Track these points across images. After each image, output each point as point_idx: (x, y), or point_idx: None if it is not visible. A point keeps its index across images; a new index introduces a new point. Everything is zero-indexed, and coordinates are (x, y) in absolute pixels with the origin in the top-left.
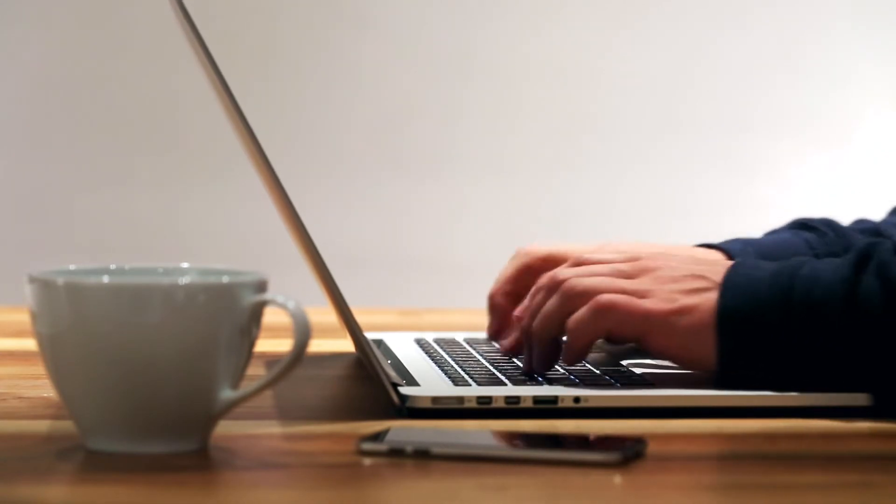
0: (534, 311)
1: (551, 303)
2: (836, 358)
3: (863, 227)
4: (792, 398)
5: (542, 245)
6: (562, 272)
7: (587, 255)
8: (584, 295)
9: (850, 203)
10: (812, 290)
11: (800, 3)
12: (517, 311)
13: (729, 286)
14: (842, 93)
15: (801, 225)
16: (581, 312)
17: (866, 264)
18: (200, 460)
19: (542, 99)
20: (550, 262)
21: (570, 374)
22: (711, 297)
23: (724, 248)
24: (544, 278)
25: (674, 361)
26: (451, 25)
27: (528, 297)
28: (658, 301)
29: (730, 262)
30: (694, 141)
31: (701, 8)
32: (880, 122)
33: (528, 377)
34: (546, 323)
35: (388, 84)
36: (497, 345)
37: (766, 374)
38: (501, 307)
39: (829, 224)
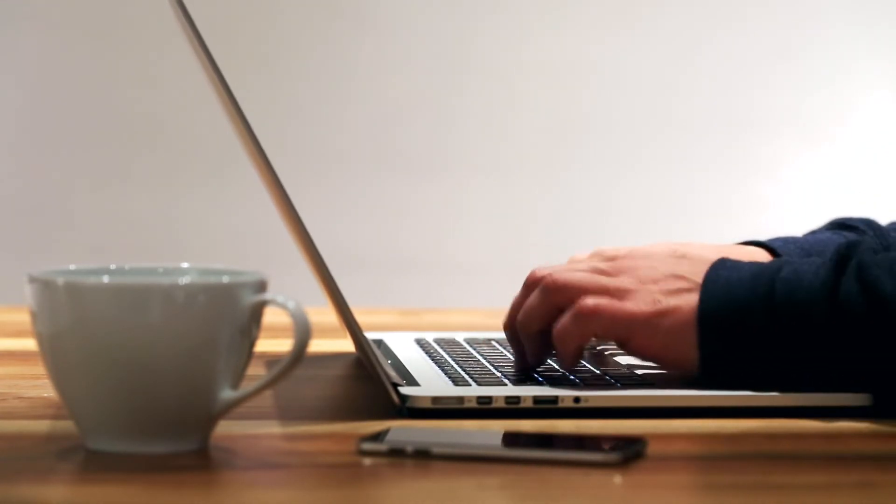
0: (514, 307)
1: (533, 297)
2: (819, 361)
3: None
4: (792, 398)
5: (549, 269)
6: (541, 269)
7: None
8: (565, 288)
9: (848, 202)
10: (793, 293)
11: (796, 2)
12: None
13: (708, 287)
14: (839, 92)
15: (841, 224)
16: (565, 319)
17: (846, 266)
18: (200, 460)
19: (541, 99)
20: None
21: (570, 373)
22: (692, 299)
23: (768, 245)
24: (527, 278)
25: (656, 363)
26: (450, 26)
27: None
28: (640, 302)
29: (709, 261)
30: (691, 140)
31: (697, 8)
32: (877, 121)
33: (524, 375)
34: (529, 317)
35: (388, 84)
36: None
37: (747, 376)
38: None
39: (869, 223)
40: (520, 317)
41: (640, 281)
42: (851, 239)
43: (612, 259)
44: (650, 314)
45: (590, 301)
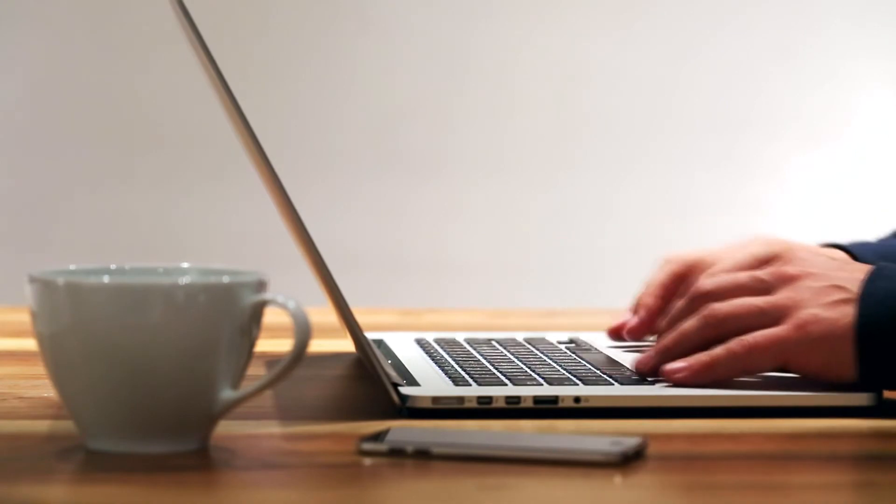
0: (672, 320)
1: (691, 325)
2: None
3: None
4: (792, 398)
5: (690, 252)
6: (704, 285)
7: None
8: (724, 322)
9: (847, 202)
10: None
11: (796, 2)
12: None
13: (866, 300)
14: (839, 92)
15: None
16: (719, 355)
17: None
18: (200, 460)
19: (540, 99)
20: (699, 267)
21: (570, 373)
22: (850, 312)
23: (851, 251)
24: (689, 289)
25: (817, 379)
26: (450, 26)
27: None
28: (795, 323)
29: (866, 270)
30: (690, 140)
31: (697, 8)
32: (877, 121)
33: (640, 378)
34: (683, 343)
35: (388, 84)
36: (610, 338)
37: None
38: (650, 307)
39: None
40: (673, 339)
41: (799, 294)
42: None
43: (771, 260)
44: (804, 334)
45: (747, 339)
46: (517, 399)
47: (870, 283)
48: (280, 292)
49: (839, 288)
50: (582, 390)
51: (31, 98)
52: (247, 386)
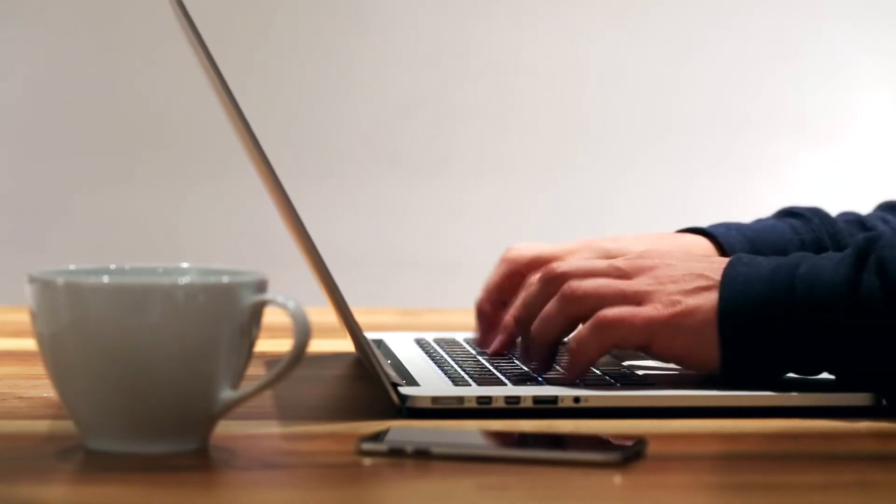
0: (528, 304)
1: (551, 306)
2: (840, 358)
3: (846, 218)
4: (792, 398)
5: (527, 248)
6: (560, 265)
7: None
8: (585, 299)
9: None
10: (813, 290)
11: (796, 2)
12: (507, 317)
13: (728, 285)
14: (839, 92)
15: (788, 213)
16: (584, 332)
17: (865, 261)
18: (200, 460)
19: (539, 99)
20: (536, 266)
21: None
22: (712, 297)
23: (710, 232)
24: (543, 273)
25: (678, 364)
26: (449, 26)
27: (522, 289)
28: (659, 306)
29: (726, 259)
30: (690, 140)
31: (697, 8)
32: (876, 120)
33: (528, 377)
34: (547, 326)
35: (388, 84)
36: (485, 352)
37: (767, 374)
38: (488, 315)
39: (816, 211)
40: (536, 325)
41: (659, 281)
42: (871, 233)
43: (613, 255)
44: (670, 316)
45: (610, 313)
46: (517, 399)
47: (731, 269)
48: (280, 292)
49: (699, 275)
50: (582, 390)
51: (32, 98)
52: (247, 386)
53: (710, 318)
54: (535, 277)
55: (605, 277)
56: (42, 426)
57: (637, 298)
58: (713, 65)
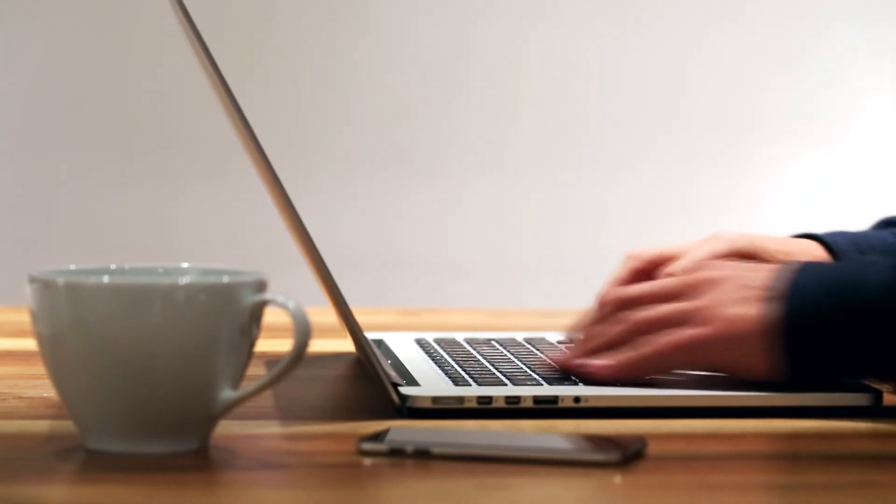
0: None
1: (615, 334)
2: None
3: None
4: (792, 398)
5: (651, 248)
6: (615, 291)
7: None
8: (646, 327)
9: (846, 201)
10: (885, 297)
11: (796, 2)
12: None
13: (794, 296)
14: (838, 91)
15: (889, 222)
16: (645, 353)
17: None
18: (200, 460)
19: (540, 98)
20: (659, 264)
21: (570, 373)
22: (759, 307)
23: (825, 239)
24: (602, 299)
25: (731, 375)
26: (450, 26)
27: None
28: (713, 321)
29: (789, 269)
30: (691, 141)
31: (697, 8)
32: (876, 120)
33: (563, 376)
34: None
35: (388, 84)
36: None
37: (833, 377)
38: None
39: None
40: (596, 345)
41: (714, 296)
42: None
43: (692, 272)
44: (720, 332)
45: (663, 339)
46: (517, 399)
47: (796, 279)
48: (280, 292)
49: (748, 287)
50: (582, 390)
51: (31, 98)
52: (247, 386)
53: (758, 328)
54: (608, 304)
55: (663, 300)
56: (42, 426)
57: (691, 318)
58: (714, 65)
